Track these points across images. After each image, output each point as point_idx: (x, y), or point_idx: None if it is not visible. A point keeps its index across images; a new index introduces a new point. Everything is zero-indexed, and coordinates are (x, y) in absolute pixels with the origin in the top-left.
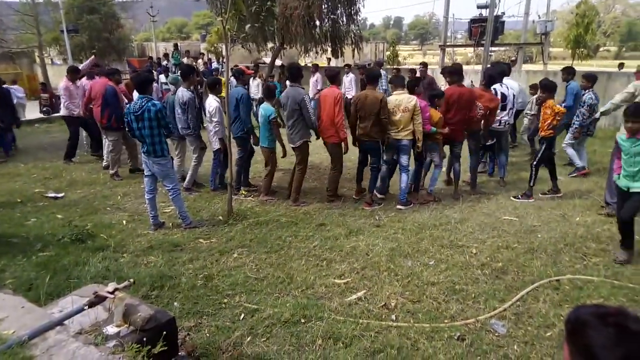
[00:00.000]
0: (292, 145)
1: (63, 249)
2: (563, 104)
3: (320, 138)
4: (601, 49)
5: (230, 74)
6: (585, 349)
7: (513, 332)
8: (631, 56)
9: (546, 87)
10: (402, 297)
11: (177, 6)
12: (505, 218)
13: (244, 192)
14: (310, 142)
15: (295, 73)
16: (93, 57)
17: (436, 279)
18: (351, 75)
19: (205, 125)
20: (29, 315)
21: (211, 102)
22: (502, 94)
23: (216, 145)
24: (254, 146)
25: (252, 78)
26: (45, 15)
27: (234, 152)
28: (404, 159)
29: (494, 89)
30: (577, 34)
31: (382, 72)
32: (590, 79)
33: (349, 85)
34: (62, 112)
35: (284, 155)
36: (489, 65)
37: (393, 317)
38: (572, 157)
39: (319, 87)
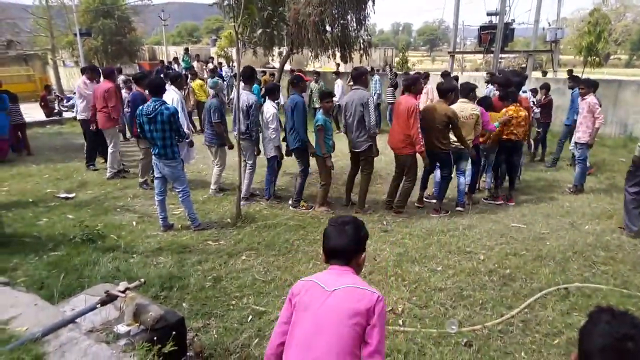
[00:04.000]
0: (356, 150)
1: (74, 248)
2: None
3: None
4: (612, 57)
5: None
6: (579, 334)
7: (521, 339)
8: None
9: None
10: (410, 303)
11: (188, 10)
12: (514, 225)
13: (304, 205)
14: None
15: (357, 76)
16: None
17: (443, 285)
18: (339, 82)
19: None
20: (42, 312)
21: (269, 108)
22: None
23: (271, 153)
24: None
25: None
26: (59, 19)
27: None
28: (462, 165)
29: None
30: (589, 42)
31: (376, 77)
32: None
33: (338, 92)
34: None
35: (331, 166)
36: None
37: (400, 322)
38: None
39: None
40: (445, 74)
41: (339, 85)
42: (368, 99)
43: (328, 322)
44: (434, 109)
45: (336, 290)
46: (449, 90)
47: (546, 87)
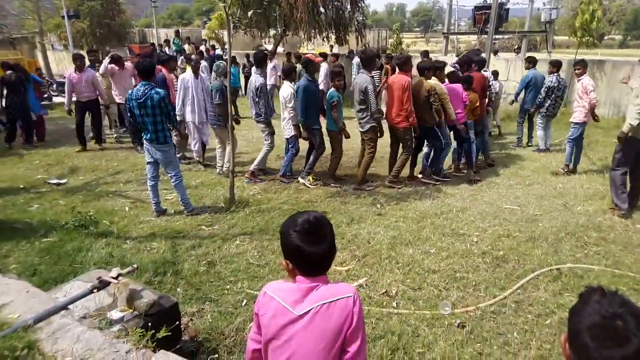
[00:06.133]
0: (361, 130)
1: (66, 234)
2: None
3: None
4: (606, 37)
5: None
6: (569, 314)
7: (513, 320)
8: (636, 44)
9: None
10: (403, 285)
11: None
12: (507, 207)
13: (310, 179)
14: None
15: (366, 59)
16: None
17: (437, 267)
18: (325, 66)
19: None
20: (34, 299)
21: (286, 89)
22: None
23: (290, 133)
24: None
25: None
26: (46, 1)
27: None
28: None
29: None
30: (583, 21)
31: (356, 59)
32: (555, 64)
33: (322, 76)
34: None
35: (348, 136)
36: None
37: (394, 304)
38: (539, 139)
39: (278, 74)
40: (424, 53)
41: (323, 69)
42: (367, 84)
43: (305, 355)
44: (418, 86)
45: (306, 313)
46: (426, 68)
47: (494, 74)
